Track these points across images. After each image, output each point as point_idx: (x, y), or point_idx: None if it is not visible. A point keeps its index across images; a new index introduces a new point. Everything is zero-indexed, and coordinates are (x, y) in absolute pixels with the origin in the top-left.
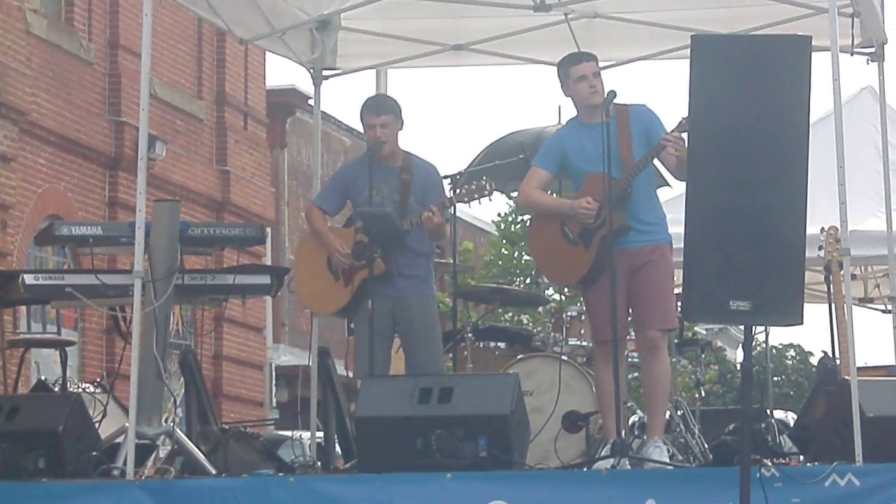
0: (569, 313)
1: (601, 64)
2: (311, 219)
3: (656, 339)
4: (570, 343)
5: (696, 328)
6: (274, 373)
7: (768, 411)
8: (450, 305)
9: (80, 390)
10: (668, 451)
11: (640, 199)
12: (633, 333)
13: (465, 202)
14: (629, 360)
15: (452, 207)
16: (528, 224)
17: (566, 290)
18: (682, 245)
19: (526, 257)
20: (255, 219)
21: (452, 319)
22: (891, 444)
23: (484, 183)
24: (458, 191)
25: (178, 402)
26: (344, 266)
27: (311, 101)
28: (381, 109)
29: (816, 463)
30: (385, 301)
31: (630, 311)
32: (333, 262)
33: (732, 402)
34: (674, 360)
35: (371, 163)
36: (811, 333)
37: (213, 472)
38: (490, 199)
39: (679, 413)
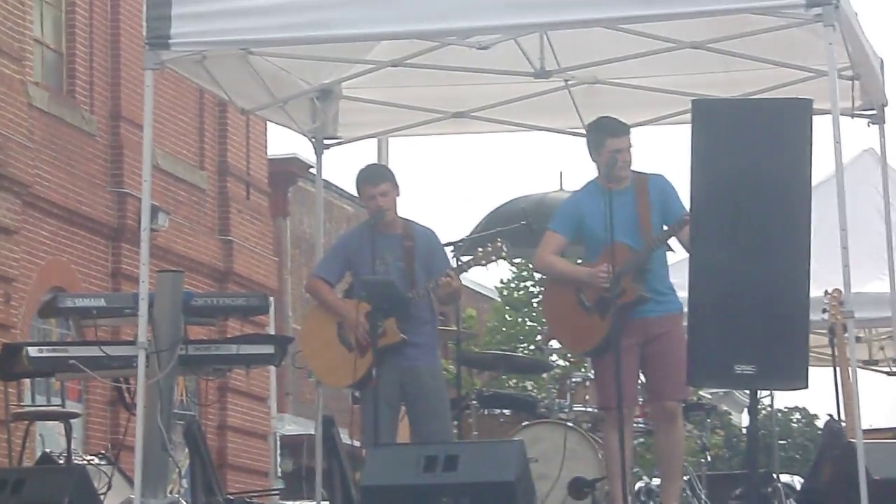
0: (573, 379)
1: None
2: (317, 290)
3: (673, 409)
4: (574, 409)
5: (700, 392)
6: (278, 442)
7: (775, 475)
8: (454, 373)
9: (85, 462)
10: None
11: (658, 270)
12: (641, 401)
13: (483, 265)
14: (636, 426)
15: (469, 271)
16: (533, 289)
17: (570, 356)
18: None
19: (529, 323)
20: (258, 288)
21: (457, 387)
22: None
23: (500, 245)
24: (475, 254)
25: (182, 473)
26: (363, 338)
27: (312, 170)
28: (379, 179)
29: None
30: (394, 370)
31: (645, 380)
32: (345, 334)
33: (739, 466)
34: None
35: (373, 232)
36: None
37: None
38: (508, 262)
39: (685, 478)
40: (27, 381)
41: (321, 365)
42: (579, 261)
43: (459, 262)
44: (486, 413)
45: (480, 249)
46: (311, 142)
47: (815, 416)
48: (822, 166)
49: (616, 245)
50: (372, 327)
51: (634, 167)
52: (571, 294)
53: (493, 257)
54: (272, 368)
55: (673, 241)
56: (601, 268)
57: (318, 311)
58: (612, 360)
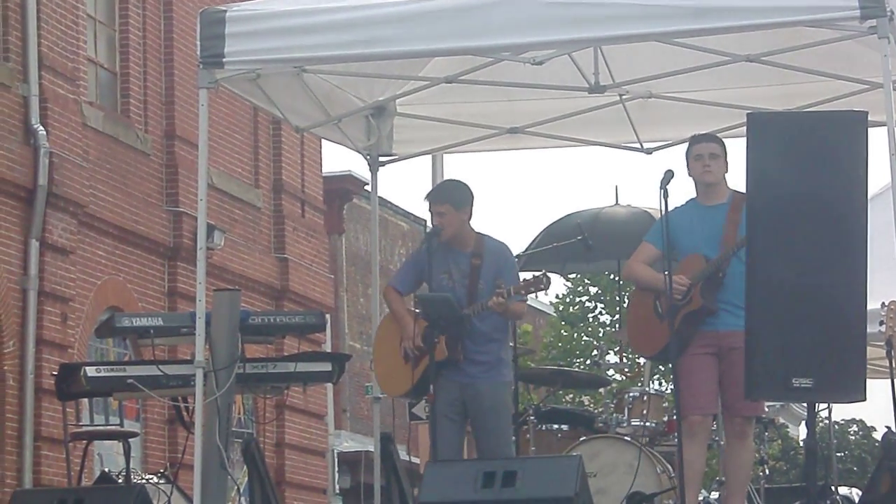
0: (631, 394)
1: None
2: (389, 299)
3: (745, 426)
4: (632, 424)
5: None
6: (336, 459)
7: (833, 488)
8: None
9: (143, 481)
10: None
11: (736, 284)
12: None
13: (522, 296)
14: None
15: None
16: (588, 304)
17: (627, 370)
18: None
19: (585, 338)
20: (314, 306)
21: (514, 402)
22: None
23: (542, 276)
24: (519, 282)
25: (241, 491)
26: (412, 350)
27: (367, 187)
28: (438, 199)
29: None
30: (453, 386)
31: (720, 394)
32: (404, 345)
33: (796, 479)
34: None
35: (444, 247)
36: (874, 409)
37: None
38: (546, 293)
39: None
40: (85, 400)
41: (382, 371)
42: None
43: (507, 290)
44: (543, 428)
45: (523, 281)
46: (366, 159)
47: (873, 429)
48: (877, 178)
49: (693, 256)
50: (428, 343)
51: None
52: (650, 301)
53: (533, 289)
54: (329, 385)
55: None
56: (677, 276)
57: (389, 320)
58: (685, 369)
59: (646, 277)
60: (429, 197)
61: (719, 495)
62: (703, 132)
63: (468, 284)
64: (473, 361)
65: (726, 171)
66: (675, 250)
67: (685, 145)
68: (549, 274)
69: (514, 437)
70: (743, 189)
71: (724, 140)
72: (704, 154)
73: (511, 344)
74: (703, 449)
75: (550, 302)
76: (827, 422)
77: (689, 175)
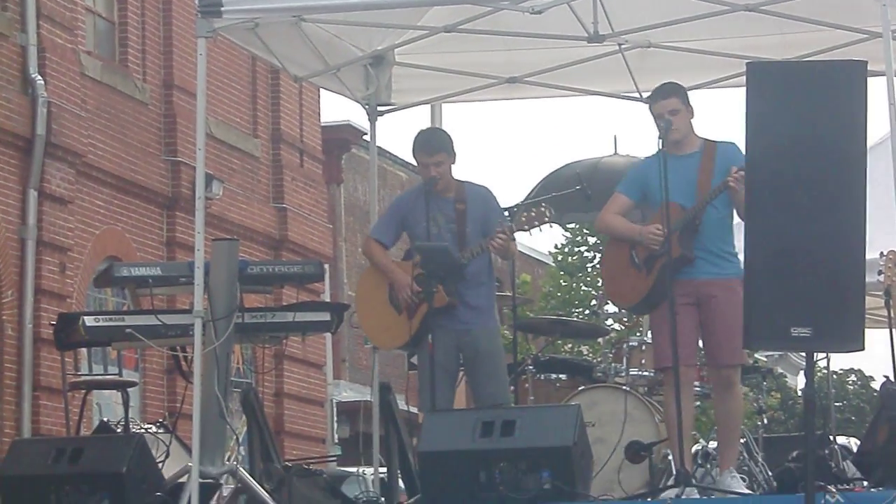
0: (629, 343)
1: None
2: (372, 252)
3: (730, 375)
4: (631, 373)
5: (756, 355)
6: (335, 409)
7: (831, 437)
8: (510, 338)
9: (142, 431)
10: (745, 481)
11: (712, 231)
12: (704, 362)
13: (526, 230)
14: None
15: (513, 237)
16: (588, 253)
17: (626, 320)
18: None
19: (584, 288)
20: (312, 255)
21: (513, 352)
22: None
23: (543, 209)
24: (518, 219)
25: (240, 441)
26: (409, 300)
27: (366, 137)
28: (435, 149)
29: (881, 488)
30: (449, 334)
31: (702, 344)
32: (395, 296)
33: (795, 428)
34: None
35: (427, 195)
36: (872, 358)
37: None
38: (550, 226)
39: (742, 441)
40: (84, 350)
41: (372, 325)
42: None
43: (509, 226)
44: (542, 378)
45: (524, 215)
46: (365, 108)
47: (871, 378)
48: (876, 128)
49: (669, 205)
50: (426, 291)
51: (704, 134)
52: (625, 252)
53: (537, 222)
54: (328, 335)
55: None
56: (652, 226)
57: (371, 273)
58: (660, 319)
59: (620, 228)
60: (423, 147)
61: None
62: (661, 84)
63: (455, 230)
64: (468, 306)
65: (692, 118)
66: (648, 200)
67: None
68: (552, 220)
69: (512, 387)
70: (712, 138)
71: (681, 86)
72: (664, 113)
73: (509, 293)
74: (691, 398)
75: (549, 252)
76: (825, 371)
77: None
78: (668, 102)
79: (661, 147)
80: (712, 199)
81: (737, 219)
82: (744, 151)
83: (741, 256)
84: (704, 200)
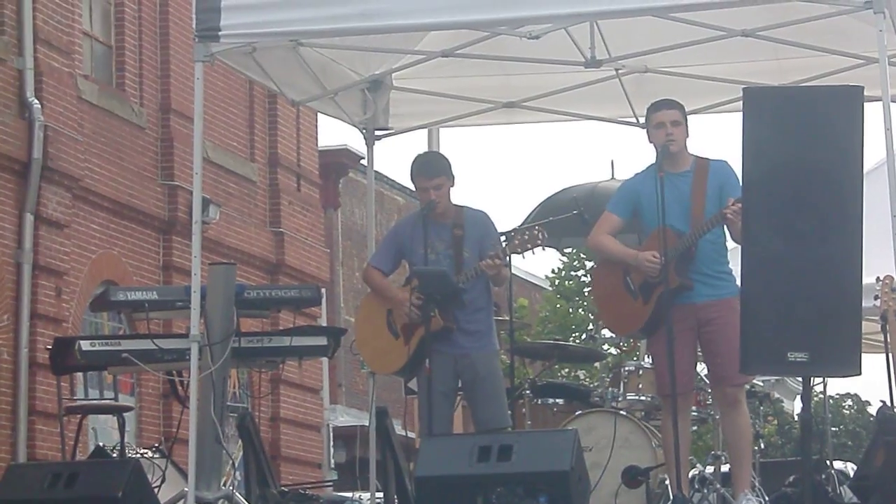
0: (626, 368)
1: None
2: (371, 278)
3: (736, 394)
4: (628, 398)
5: (753, 380)
6: (332, 434)
7: (828, 462)
8: (507, 363)
9: (138, 455)
10: (760, 502)
11: (707, 253)
12: (700, 387)
13: (519, 253)
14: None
15: (508, 260)
16: (584, 278)
17: (623, 344)
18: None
19: (581, 312)
20: (309, 280)
21: (510, 377)
22: None
23: (537, 233)
24: (513, 243)
25: (236, 466)
26: (409, 313)
27: (363, 161)
28: (434, 172)
29: None
30: (447, 359)
31: (706, 366)
32: (393, 321)
33: (791, 453)
34: None
35: (425, 221)
36: (868, 383)
37: None
38: (543, 249)
39: None
40: (79, 375)
41: (370, 351)
42: None
43: (503, 249)
44: (539, 403)
45: (518, 238)
46: (362, 133)
47: (868, 403)
48: (872, 153)
49: (662, 230)
50: (424, 316)
51: (698, 153)
52: (619, 276)
53: (530, 245)
54: (325, 360)
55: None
56: (648, 254)
57: (371, 299)
58: (660, 347)
59: (614, 250)
60: (422, 170)
61: (714, 469)
62: (663, 98)
63: (453, 255)
64: (465, 331)
65: (687, 136)
66: (640, 220)
67: None
68: (545, 244)
69: (509, 412)
70: (704, 155)
71: (682, 104)
72: (666, 122)
73: (506, 318)
74: (688, 424)
75: (546, 276)
76: (822, 396)
77: (650, 142)
78: (671, 113)
79: (658, 150)
80: (708, 230)
81: (732, 243)
82: (740, 175)
83: (737, 271)
84: (700, 231)
